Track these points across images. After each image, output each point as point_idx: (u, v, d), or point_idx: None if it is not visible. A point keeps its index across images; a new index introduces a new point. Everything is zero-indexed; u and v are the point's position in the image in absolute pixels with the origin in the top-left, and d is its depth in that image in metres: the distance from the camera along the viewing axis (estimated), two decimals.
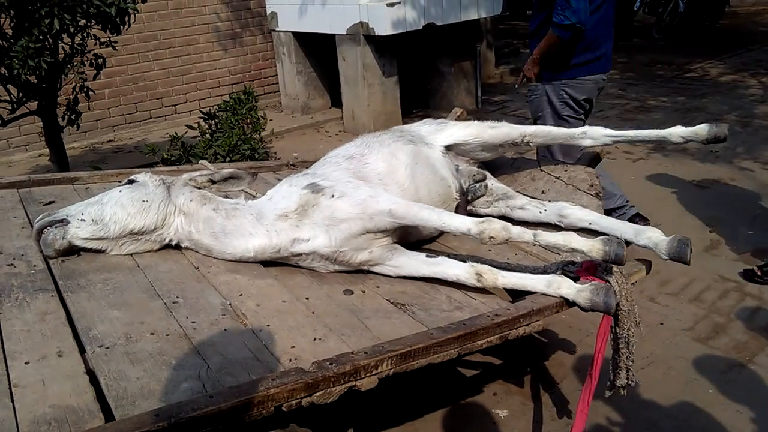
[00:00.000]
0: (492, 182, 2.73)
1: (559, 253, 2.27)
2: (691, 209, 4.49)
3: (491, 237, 2.00)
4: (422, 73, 7.53)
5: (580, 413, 2.03)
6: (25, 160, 6.29)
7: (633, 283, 2.11)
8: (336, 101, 7.50)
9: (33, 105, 4.33)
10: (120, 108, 6.90)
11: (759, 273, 3.53)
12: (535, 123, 3.84)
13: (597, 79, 3.72)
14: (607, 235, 2.32)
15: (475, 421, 2.67)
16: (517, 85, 4.35)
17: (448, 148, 2.69)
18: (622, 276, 2.05)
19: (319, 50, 7.33)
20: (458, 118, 3.22)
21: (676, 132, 2.56)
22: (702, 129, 2.50)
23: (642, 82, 8.23)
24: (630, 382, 2.13)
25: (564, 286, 2.04)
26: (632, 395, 2.24)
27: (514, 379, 2.90)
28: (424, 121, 2.88)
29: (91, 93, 4.53)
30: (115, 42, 4.30)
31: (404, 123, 6.65)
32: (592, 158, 2.84)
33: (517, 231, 2.04)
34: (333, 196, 2.15)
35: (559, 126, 3.47)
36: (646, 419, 2.59)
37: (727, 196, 4.68)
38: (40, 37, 3.83)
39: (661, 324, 3.24)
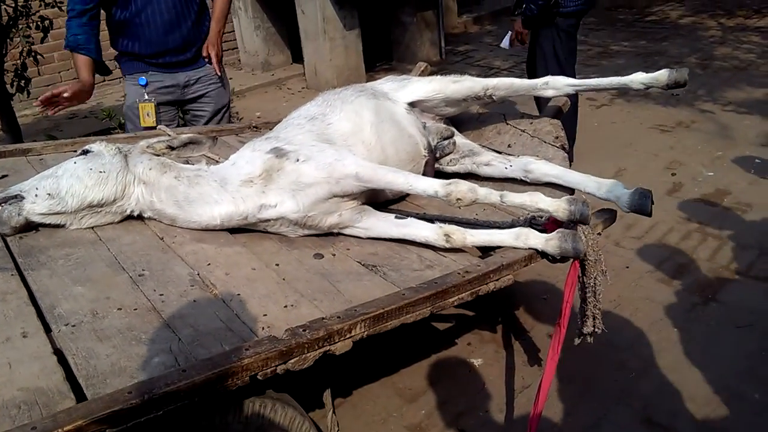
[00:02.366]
0: (458, 138, 2.71)
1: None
2: (654, 153, 4.57)
3: (458, 199, 2.00)
4: (384, 25, 7.38)
5: (551, 360, 2.08)
6: None
7: (599, 233, 2.14)
8: (297, 57, 7.32)
9: None
10: (71, 72, 6.62)
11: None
12: (217, 114, 3.44)
13: None
14: (572, 189, 2.35)
15: (450, 370, 2.73)
16: (218, 73, 3.32)
17: (412, 105, 2.66)
18: (588, 226, 2.07)
19: (276, 3, 7.11)
20: (422, 73, 3.16)
21: (637, 79, 2.57)
22: (662, 75, 2.51)
23: (603, 26, 8.21)
24: (596, 329, 2.19)
25: (532, 237, 2.06)
26: (600, 338, 2.32)
27: (487, 327, 2.96)
28: (386, 78, 2.82)
29: (39, 57, 4.34)
30: (61, 2, 4.09)
31: (368, 77, 6.58)
32: (556, 110, 2.84)
33: (483, 192, 2.03)
34: (298, 160, 2.11)
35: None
36: (615, 360, 2.68)
37: (688, 139, 4.76)
38: None
39: (627, 267, 3.32)
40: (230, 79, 5.94)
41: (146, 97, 3.18)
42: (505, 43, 4.34)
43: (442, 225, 2.12)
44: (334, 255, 2.13)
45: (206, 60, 3.27)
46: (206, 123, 3.38)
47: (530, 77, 4.13)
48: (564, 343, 2.10)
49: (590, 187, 2.34)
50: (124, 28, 3.11)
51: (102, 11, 3.10)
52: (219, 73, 3.33)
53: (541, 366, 2.66)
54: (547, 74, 3.98)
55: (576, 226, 2.06)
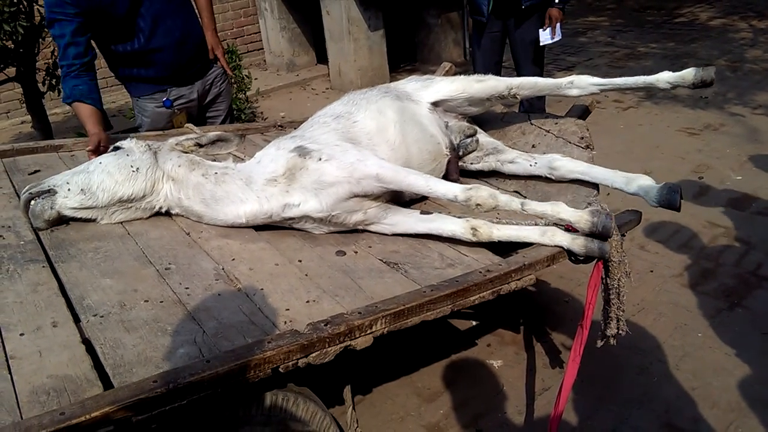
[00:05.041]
0: (482, 137, 2.71)
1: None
2: (681, 156, 4.51)
3: (478, 204, 2.00)
4: (409, 25, 7.38)
5: (572, 362, 2.07)
6: (8, 128, 6.20)
7: (623, 235, 2.12)
8: (322, 57, 7.37)
9: (12, 71, 4.24)
10: (101, 71, 6.69)
11: None
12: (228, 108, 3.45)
13: None
14: (597, 185, 2.33)
15: (470, 371, 2.72)
16: (228, 72, 3.36)
17: (436, 104, 2.66)
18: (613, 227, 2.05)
19: (302, 4, 7.16)
20: (446, 74, 3.17)
21: (663, 77, 2.54)
22: (689, 73, 2.48)
23: (631, 28, 8.13)
24: (620, 332, 2.17)
25: (559, 235, 2.06)
26: (623, 342, 2.30)
27: (508, 329, 2.95)
28: (410, 78, 2.83)
29: None
30: None
31: (392, 78, 6.59)
32: (582, 111, 2.82)
33: (504, 199, 2.04)
34: (320, 159, 2.13)
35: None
36: (637, 365, 2.65)
37: (717, 142, 4.69)
38: (15, 0, 3.71)
39: (651, 271, 3.28)
40: (255, 79, 6.03)
41: (176, 111, 3.16)
42: (546, 38, 4.33)
43: (469, 219, 2.12)
44: (356, 252, 2.15)
45: (214, 62, 3.27)
46: (224, 119, 3.42)
47: (496, 72, 4.48)
48: (586, 345, 2.09)
49: (618, 182, 2.32)
50: (134, 58, 2.97)
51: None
52: (229, 72, 3.36)
53: (562, 368, 2.64)
54: (537, 65, 4.46)
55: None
